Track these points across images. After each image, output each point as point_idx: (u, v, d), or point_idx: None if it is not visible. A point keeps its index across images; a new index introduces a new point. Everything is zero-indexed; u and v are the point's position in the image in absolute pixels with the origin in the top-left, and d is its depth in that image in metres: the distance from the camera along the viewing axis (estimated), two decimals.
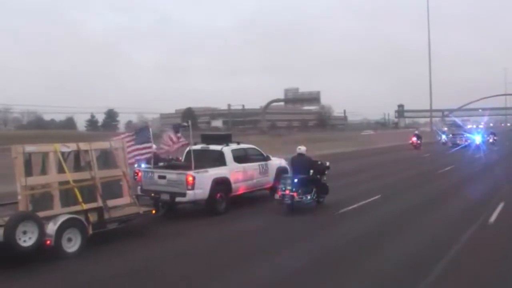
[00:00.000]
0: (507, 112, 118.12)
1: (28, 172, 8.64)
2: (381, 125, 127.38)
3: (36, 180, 8.83)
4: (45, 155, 8.99)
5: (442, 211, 12.54)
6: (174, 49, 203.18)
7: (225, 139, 14.01)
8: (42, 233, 8.06)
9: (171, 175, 12.09)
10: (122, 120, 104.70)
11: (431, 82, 68.10)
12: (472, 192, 15.46)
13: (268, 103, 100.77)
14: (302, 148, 13.22)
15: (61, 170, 9.09)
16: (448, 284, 7.09)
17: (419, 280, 7.05)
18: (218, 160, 12.99)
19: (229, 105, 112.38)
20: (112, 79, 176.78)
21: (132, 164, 11.96)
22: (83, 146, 9.62)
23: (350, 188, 16.44)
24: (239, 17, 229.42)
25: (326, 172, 13.37)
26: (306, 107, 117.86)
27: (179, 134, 13.00)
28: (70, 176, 9.16)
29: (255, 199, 13.98)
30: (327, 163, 13.44)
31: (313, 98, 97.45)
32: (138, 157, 11.92)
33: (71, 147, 9.50)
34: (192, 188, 11.70)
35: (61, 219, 8.49)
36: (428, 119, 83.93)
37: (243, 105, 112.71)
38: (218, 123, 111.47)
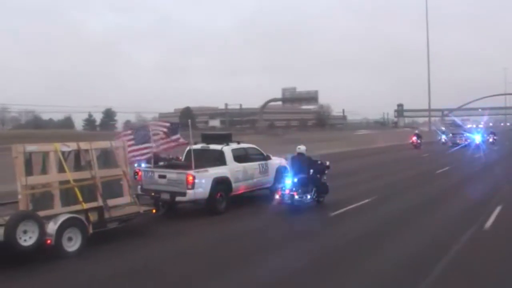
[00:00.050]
0: (507, 112, 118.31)
1: (29, 171, 8.64)
2: (381, 124, 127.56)
3: (36, 179, 8.83)
4: (45, 155, 8.98)
5: (442, 211, 12.55)
6: (174, 49, 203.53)
7: (225, 139, 14.00)
8: (42, 233, 8.06)
9: (171, 174, 12.08)
10: (120, 119, 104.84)
11: (430, 82, 68.28)
12: (472, 192, 15.45)
13: (265, 103, 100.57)
14: (301, 148, 13.18)
15: (61, 169, 9.09)
16: (448, 284, 7.09)
17: (419, 280, 7.06)
18: (218, 159, 12.99)
19: (226, 105, 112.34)
20: (112, 79, 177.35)
21: (132, 163, 11.94)
22: (83, 145, 9.61)
23: (350, 188, 16.43)
24: (239, 17, 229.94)
25: (326, 172, 13.38)
26: (305, 107, 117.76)
27: (178, 135, 12.95)
28: (70, 175, 9.15)
29: (255, 199, 13.98)
30: (327, 163, 13.45)
31: (311, 98, 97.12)
32: (138, 157, 11.91)
33: (72, 146, 9.50)
34: (192, 188, 11.70)
35: (62, 218, 8.49)
36: (427, 119, 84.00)
37: (241, 105, 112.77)
38: (215, 122, 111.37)
